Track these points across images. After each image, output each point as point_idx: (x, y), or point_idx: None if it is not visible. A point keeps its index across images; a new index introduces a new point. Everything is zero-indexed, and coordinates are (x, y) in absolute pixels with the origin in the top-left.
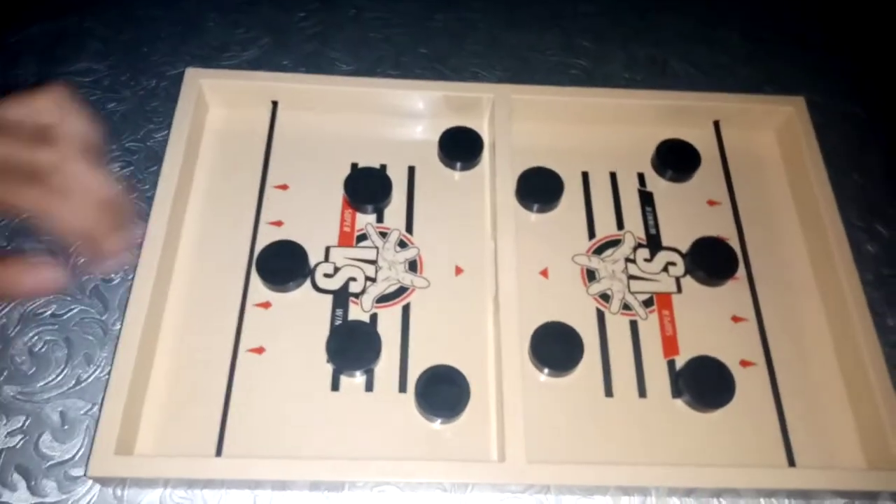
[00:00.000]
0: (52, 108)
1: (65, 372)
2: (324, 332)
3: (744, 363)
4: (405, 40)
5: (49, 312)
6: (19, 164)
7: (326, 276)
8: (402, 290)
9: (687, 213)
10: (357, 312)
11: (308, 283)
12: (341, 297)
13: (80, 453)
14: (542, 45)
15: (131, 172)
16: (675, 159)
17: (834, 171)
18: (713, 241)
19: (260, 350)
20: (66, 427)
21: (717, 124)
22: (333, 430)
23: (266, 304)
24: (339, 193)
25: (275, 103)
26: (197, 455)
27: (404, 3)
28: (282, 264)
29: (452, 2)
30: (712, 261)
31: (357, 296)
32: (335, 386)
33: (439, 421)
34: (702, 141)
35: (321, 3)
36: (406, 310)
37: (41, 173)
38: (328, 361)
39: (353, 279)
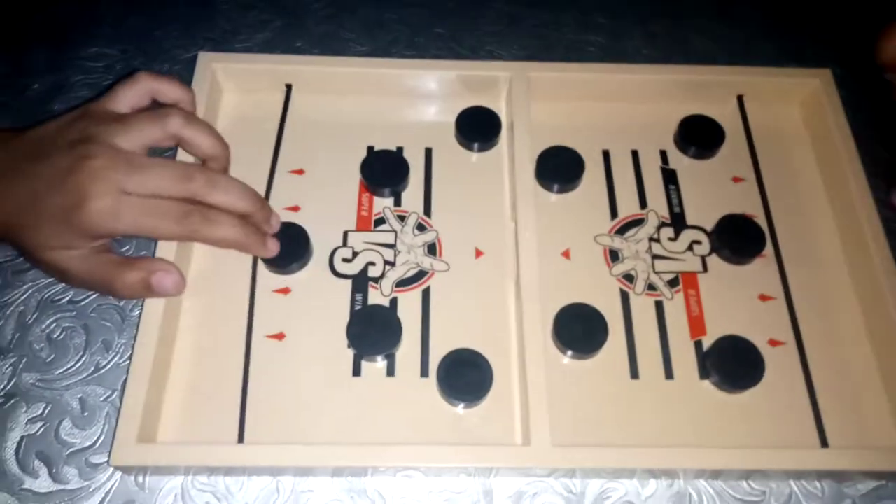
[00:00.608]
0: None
1: (83, 359)
2: (344, 317)
3: (773, 342)
4: (420, 20)
5: (67, 299)
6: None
7: (345, 260)
8: (421, 274)
9: (711, 191)
10: (377, 297)
11: (327, 267)
12: (360, 282)
13: (100, 440)
14: (559, 23)
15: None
16: (698, 136)
17: (860, 147)
18: (739, 218)
19: (280, 336)
20: (86, 414)
21: (740, 99)
22: (355, 416)
23: (285, 290)
24: (355, 177)
25: (289, 86)
26: (219, 442)
27: None
28: (283, 248)
29: None
30: (739, 238)
31: (376, 280)
32: (356, 371)
33: (462, 405)
34: (725, 116)
35: None
36: (426, 293)
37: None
38: (349, 346)
39: (372, 263)
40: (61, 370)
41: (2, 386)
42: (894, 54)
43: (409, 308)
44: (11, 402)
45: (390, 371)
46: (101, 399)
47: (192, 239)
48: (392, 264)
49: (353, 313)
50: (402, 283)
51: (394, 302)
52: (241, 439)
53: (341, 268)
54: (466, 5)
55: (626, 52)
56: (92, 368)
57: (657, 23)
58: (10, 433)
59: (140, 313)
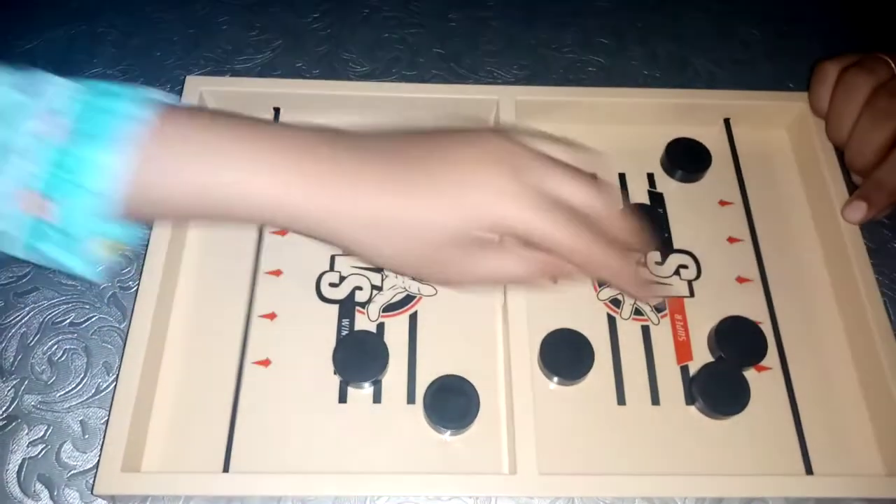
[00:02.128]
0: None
1: (84, 381)
2: (330, 342)
3: (759, 368)
4: (419, 40)
5: (68, 321)
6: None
7: (332, 285)
8: (408, 299)
9: (698, 214)
10: (364, 322)
11: (314, 292)
12: (347, 307)
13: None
14: (560, 43)
15: None
16: (685, 159)
17: (847, 169)
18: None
19: (266, 363)
20: (86, 436)
21: (727, 122)
22: (341, 443)
23: (271, 316)
24: None
25: (276, 110)
26: (204, 472)
27: (418, 3)
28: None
29: (467, 0)
30: (740, 342)
31: (363, 305)
32: (342, 398)
33: (449, 432)
34: (712, 139)
35: (333, 4)
36: (413, 318)
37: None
38: (335, 373)
39: (359, 288)
40: (62, 392)
41: (3, 408)
42: (821, 106)
43: (396, 333)
44: (13, 424)
45: (377, 398)
46: (102, 421)
47: (582, 259)
48: (379, 289)
49: (339, 339)
50: (390, 308)
51: (381, 327)
52: (226, 468)
53: (328, 293)
54: (466, 25)
55: (627, 72)
56: (93, 391)
57: (658, 44)
58: (12, 455)
59: (125, 339)
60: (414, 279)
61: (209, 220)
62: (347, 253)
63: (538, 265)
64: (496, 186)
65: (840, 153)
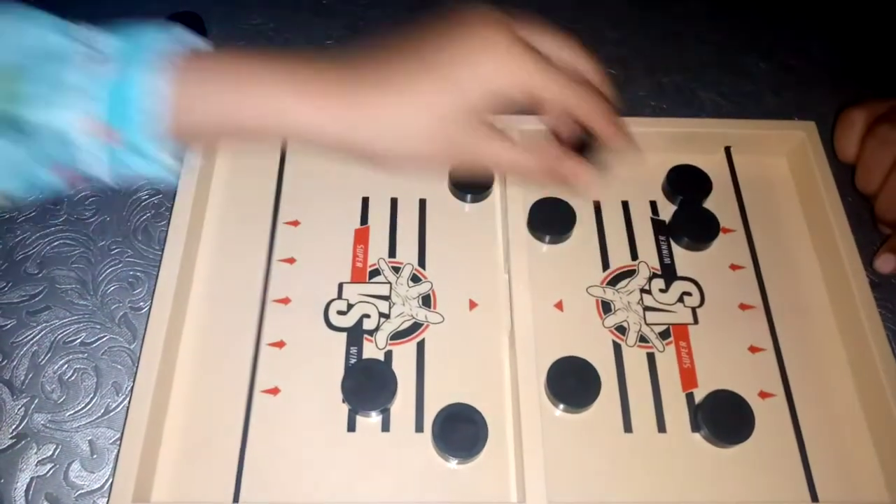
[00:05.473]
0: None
1: (94, 401)
2: (339, 371)
3: (763, 395)
4: None
5: (79, 340)
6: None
7: (340, 313)
8: (416, 326)
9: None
10: (371, 350)
11: (322, 320)
12: (355, 335)
13: (108, 483)
14: None
15: (160, 200)
16: (687, 186)
17: (848, 193)
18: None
19: (275, 391)
20: (94, 456)
21: (728, 150)
22: (350, 473)
23: (280, 344)
24: (350, 228)
25: None
26: (213, 502)
27: None
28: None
29: None
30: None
31: (371, 333)
32: (351, 427)
33: (457, 461)
34: (713, 168)
35: (347, 31)
36: (421, 346)
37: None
38: (344, 401)
39: (367, 316)
40: (72, 412)
41: (13, 426)
42: (847, 153)
43: (403, 361)
44: (22, 442)
45: (385, 426)
46: (111, 441)
47: (571, 112)
48: (387, 316)
49: (347, 367)
50: (397, 336)
51: (388, 355)
52: (236, 498)
53: (336, 320)
54: None
55: (634, 103)
56: (102, 411)
57: (666, 75)
58: (21, 474)
59: (137, 368)
60: (424, 168)
61: (238, 138)
62: (364, 159)
63: (543, 158)
64: (490, 55)
65: (840, 179)
